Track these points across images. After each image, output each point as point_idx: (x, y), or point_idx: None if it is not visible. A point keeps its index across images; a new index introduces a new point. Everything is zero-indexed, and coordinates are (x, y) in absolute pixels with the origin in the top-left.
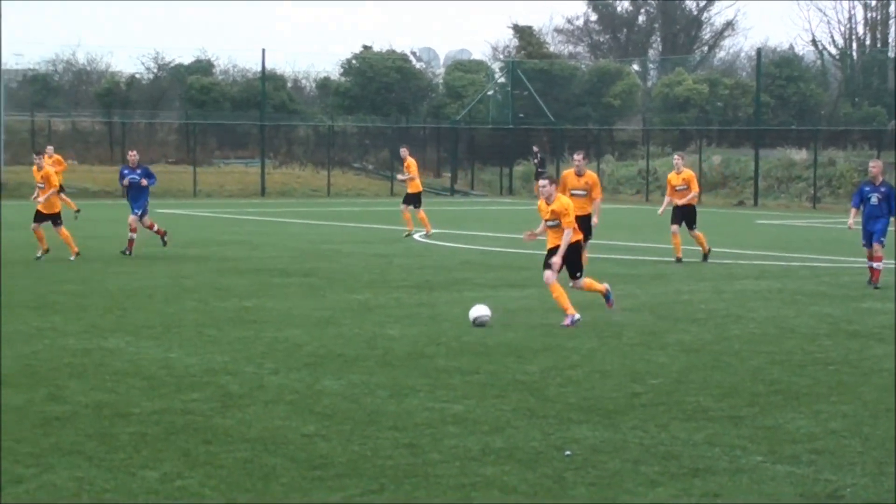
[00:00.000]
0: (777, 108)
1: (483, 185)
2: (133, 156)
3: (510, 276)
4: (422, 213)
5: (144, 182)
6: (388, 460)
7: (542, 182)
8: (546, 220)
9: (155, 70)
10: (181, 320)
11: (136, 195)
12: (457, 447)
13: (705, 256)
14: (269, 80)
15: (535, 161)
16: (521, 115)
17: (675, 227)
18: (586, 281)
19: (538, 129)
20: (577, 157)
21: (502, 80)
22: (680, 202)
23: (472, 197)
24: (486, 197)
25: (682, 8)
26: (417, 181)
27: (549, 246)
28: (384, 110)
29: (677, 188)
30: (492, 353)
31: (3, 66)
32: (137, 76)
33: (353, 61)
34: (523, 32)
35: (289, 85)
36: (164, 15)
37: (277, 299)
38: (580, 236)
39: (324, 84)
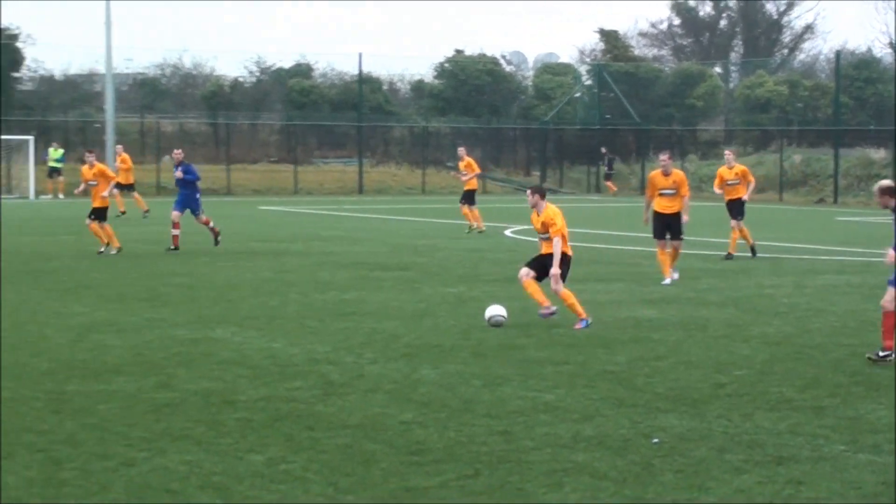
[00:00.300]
0: (856, 108)
1: (571, 184)
2: (178, 154)
3: (598, 271)
4: (475, 211)
5: (180, 174)
6: (482, 447)
7: (527, 193)
8: (539, 233)
9: (257, 73)
10: (284, 312)
11: (187, 193)
12: (548, 434)
13: (753, 250)
14: (365, 82)
15: (604, 163)
16: (608, 116)
17: (734, 223)
18: (565, 291)
19: (624, 129)
20: (664, 157)
21: (589, 82)
22: (731, 196)
23: (560, 195)
24: (574, 195)
25: (762, 12)
26: (474, 180)
27: (542, 253)
28: (476, 112)
29: (729, 182)
30: (581, 345)
31: (114, 71)
32: (241, 79)
33: (446, 65)
34: (609, 36)
35: (384, 87)
36: (266, 21)
37: (375, 292)
38: (567, 249)
39: (418, 86)
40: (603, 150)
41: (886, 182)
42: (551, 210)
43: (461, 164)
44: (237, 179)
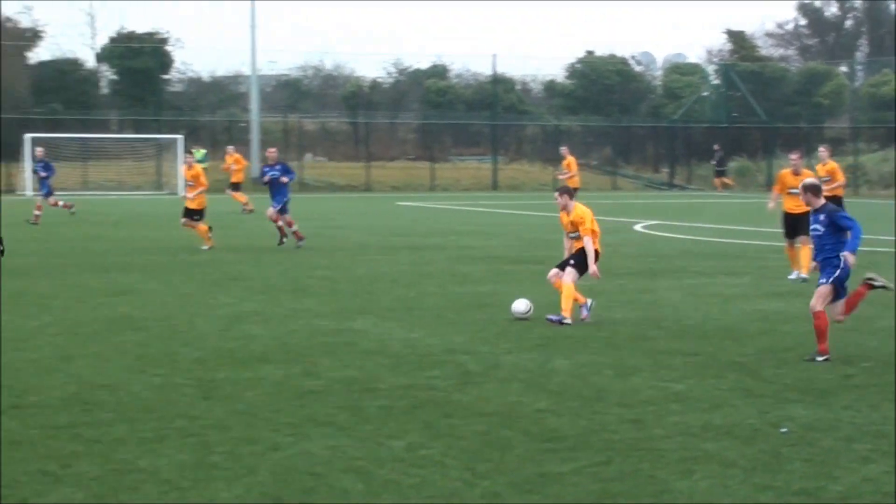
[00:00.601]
0: None
1: (699, 180)
2: (272, 153)
3: (726, 265)
4: None
5: (285, 179)
6: (614, 434)
7: (556, 196)
8: (568, 233)
9: (395, 74)
10: (422, 304)
11: (276, 191)
12: (678, 423)
13: None
14: (499, 83)
15: (714, 160)
16: (735, 115)
17: None
18: (570, 286)
19: (750, 127)
20: (794, 156)
21: (717, 81)
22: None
23: (688, 191)
24: (702, 191)
25: (888, 11)
26: (576, 178)
27: (571, 251)
28: (606, 110)
29: (822, 180)
30: (710, 337)
31: (258, 72)
32: (379, 80)
33: (577, 65)
34: (736, 37)
35: (518, 87)
36: (404, 23)
37: (510, 284)
38: (597, 245)
39: (550, 86)
40: (716, 146)
41: (811, 179)
42: (580, 210)
43: (563, 164)
44: (376, 176)
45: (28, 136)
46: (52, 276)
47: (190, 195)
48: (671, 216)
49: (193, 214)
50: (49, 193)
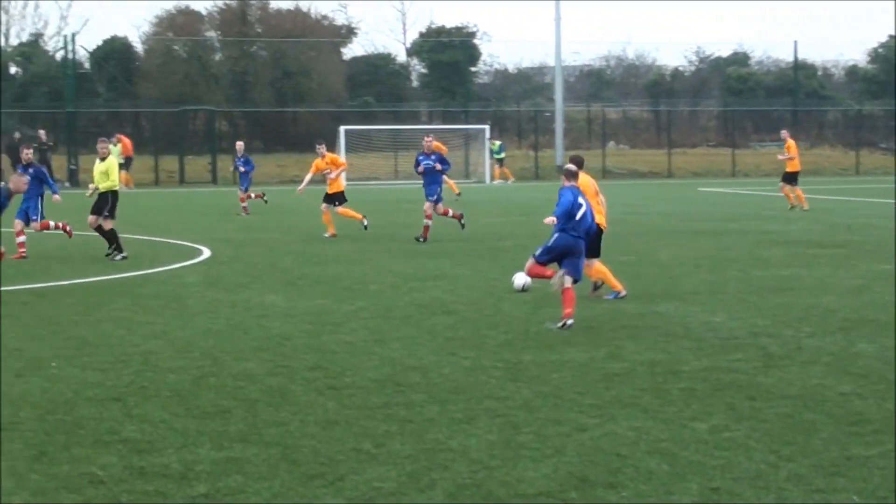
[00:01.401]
0: None
1: None
2: (428, 142)
3: None
4: (797, 190)
5: (438, 167)
6: None
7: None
8: None
9: (696, 63)
10: (724, 287)
11: (430, 181)
12: None
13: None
14: (800, 69)
15: None
16: None
17: None
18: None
19: None
20: None
21: None
22: None
23: None
24: None
25: None
26: (796, 161)
27: None
28: None
29: None
30: None
31: (562, 63)
32: (681, 69)
33: (880, 49)
34: None
35: (819, 73)
36: (705, 13)
37: (812, 268)
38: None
39: (852, 71)
40: None
41: (569, 164)
42: (584, 178)
43: (785, 146)
44: (677, 163)
45: (342, 129)
46: (366, 263)
47: (332, 175)
48: None
49: (335, 199)
50: (248, 188)
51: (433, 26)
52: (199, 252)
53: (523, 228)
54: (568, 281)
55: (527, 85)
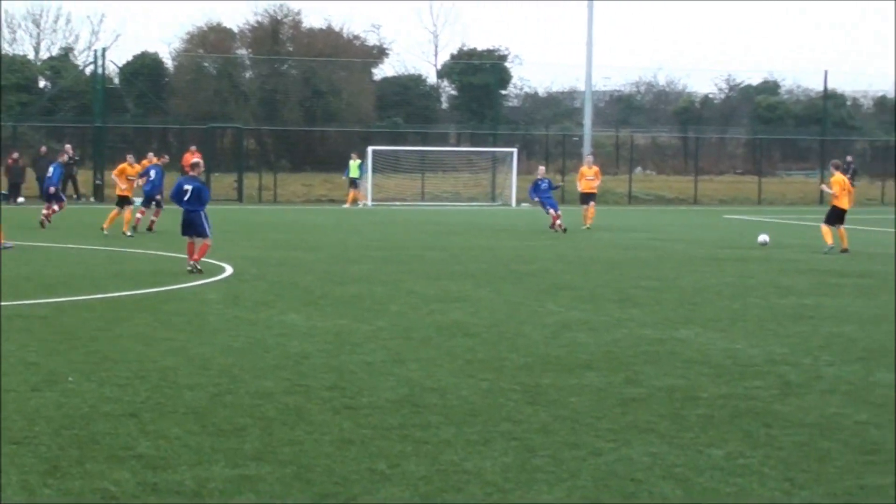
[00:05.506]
0: None
1: None
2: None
3: None
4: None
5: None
6: None
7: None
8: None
9: (726, 90)
10: (745, 315)
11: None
12: None
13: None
14: (830, 98)
15: None
16: None
17: None
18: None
19: None
20: None
21: None
22: None
23: None
24: None
25: None
26: (842, 198)
27: None
28: None
29: None
30: None
31: (593, 88)
32: (710, 96)
33: None
34: None
35: (848, 103)
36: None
37: (833, 297)
38: None
39: (881, 102)
40: None
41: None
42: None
43: (831, 179)
44: (704, 189)
45: (370, 149)
46: (388, 284)
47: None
48: None
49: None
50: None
51: (465, 49)
52: (222, 269)
53: (549, 252)
54: None
55: (556, 109)
